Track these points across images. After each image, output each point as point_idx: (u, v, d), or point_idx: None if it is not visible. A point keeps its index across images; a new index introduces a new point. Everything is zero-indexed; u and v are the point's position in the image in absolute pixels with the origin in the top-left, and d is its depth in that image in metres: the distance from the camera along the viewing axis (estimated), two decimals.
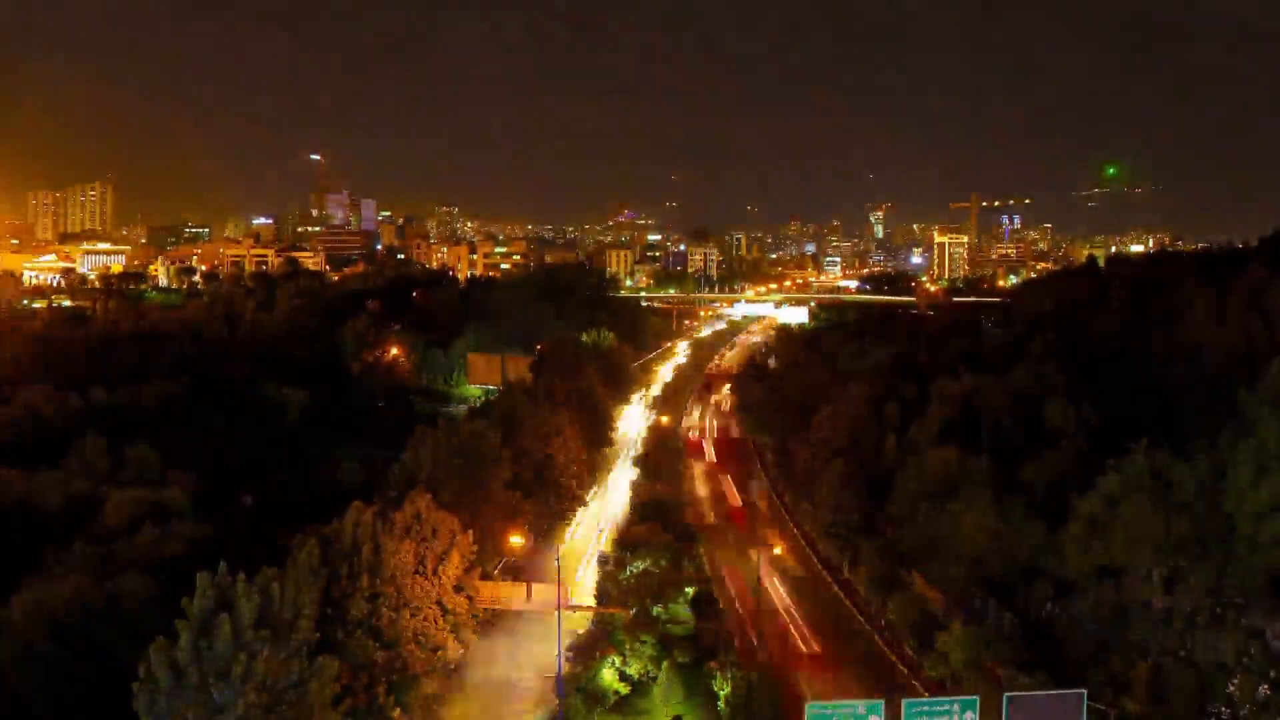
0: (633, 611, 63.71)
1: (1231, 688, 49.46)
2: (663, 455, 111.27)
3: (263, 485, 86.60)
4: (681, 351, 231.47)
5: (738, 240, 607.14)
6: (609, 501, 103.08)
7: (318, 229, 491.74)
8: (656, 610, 63.76)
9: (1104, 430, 70.16)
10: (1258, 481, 52.07)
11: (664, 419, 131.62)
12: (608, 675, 59.35)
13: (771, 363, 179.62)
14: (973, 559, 63.92)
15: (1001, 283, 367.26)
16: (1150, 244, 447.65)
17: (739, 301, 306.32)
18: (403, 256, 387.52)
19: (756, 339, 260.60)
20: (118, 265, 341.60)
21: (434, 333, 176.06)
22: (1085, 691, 46.25)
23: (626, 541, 76.33)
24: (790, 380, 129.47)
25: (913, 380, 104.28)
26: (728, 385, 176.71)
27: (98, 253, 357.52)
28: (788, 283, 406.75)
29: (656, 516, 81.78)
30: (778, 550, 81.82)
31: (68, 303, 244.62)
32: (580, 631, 65.96)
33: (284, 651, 46.95)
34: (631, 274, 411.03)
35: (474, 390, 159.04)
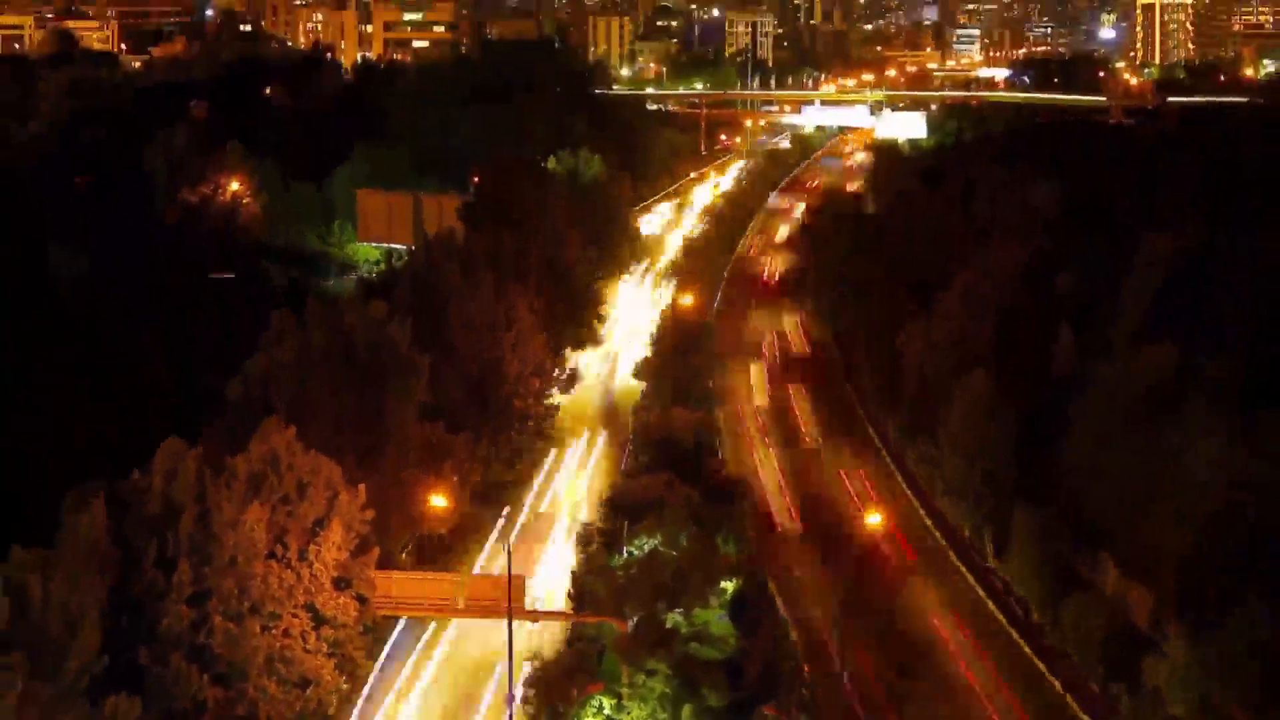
0: (633, 622, 64.02)
1: None
2: (685, 359, 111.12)
3: (13, 409, 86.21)
4: (716, 186, 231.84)
5: (809, 1, 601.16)
6: (594, 437, 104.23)
7: None
8: (673, 619, 64.24)
9: None
10: None
11: (686, 299, 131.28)
12: None
13: (864, 201, 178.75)
14: (1204, 529, 63.15)
15: (1249, 71, 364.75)
16: None
17: (811, 104, 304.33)
18: (249, 28, 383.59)
19: (849, 162, 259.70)
20: None
21: (301, 156, 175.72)
22: None
23: (623, 504, 76.72)
24: (895, 234, 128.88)
25: (1102, 234, 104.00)
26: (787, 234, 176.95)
27: None
28: (892, 73, 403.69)
29: (673, 462, 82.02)
30: (876, 519, 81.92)
31: None
32: (546, 655, 66.21)
33: (52, 686, 47.22)
34: (631, 57, 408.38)
35: (368, 252, 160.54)
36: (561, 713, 59.96)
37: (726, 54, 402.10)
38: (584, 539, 76.06)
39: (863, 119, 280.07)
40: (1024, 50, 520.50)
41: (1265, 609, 57.82)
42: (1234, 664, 56.78)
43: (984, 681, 67.76)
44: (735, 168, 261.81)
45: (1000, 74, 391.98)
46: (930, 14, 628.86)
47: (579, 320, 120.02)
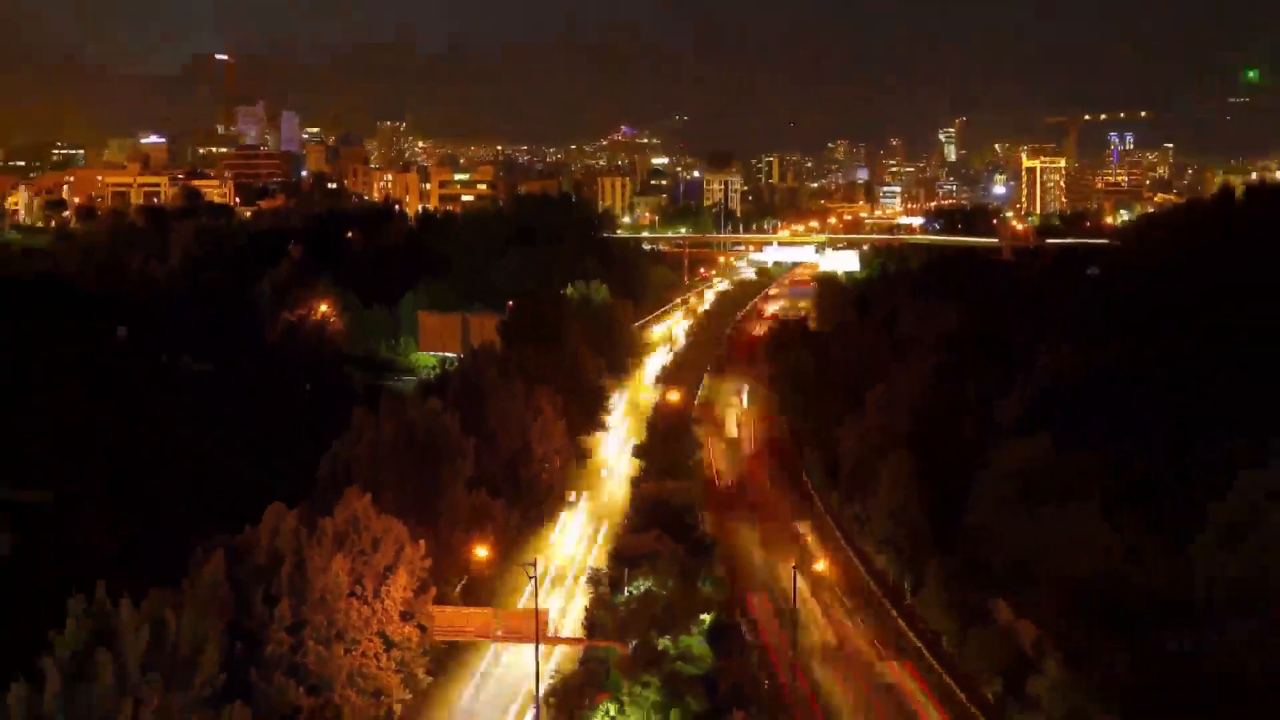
0: (632, 645, 64.28)
1: None
2: (671, 442, 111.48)
3: (151, 482, 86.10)
4: (695, 308, 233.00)
5: (768, 165, 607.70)
6: (601, 503, 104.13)
7: (225, 151, 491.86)
8: (663, 644, 64.44)
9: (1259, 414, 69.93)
10: None
11: (673, 396, 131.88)
12: None
13: (812, 323, 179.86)
14: (1076, 582, 63.87)
15: (1109, 220, 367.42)
16: None
17: (770, 244, 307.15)
18: (335, 186, 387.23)
19: (796, 290, 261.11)
20: None
21: (375, 285, 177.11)
22: None
23: (624, 554, 77.13)
24: (836, 347, 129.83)
25: (996, 349, 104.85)
26: (754, 344, 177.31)
27: None
28: (833, 220, 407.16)
29: (663, 522, 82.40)
30: (820, 566, 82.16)
31: None
32: (564, 671, 66.49)
33: (182, 698, 47.39)
34: (631, 208, 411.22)
35: (427, 359, 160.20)
36: (576, 716, 60.21)
37: (705, 205, 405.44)
38: (594, 580, 76.28)
39: (810, 256, 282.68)
40: (935, 203, 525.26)
41: (1121, 644, 58.56)
42: (1097, 684, 57.45)
43: (905, 690, 68.11)
44: (717, 288, 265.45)
45: (917, 221, 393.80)
46: (862, 175, 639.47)
47: (589, 411, 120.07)
